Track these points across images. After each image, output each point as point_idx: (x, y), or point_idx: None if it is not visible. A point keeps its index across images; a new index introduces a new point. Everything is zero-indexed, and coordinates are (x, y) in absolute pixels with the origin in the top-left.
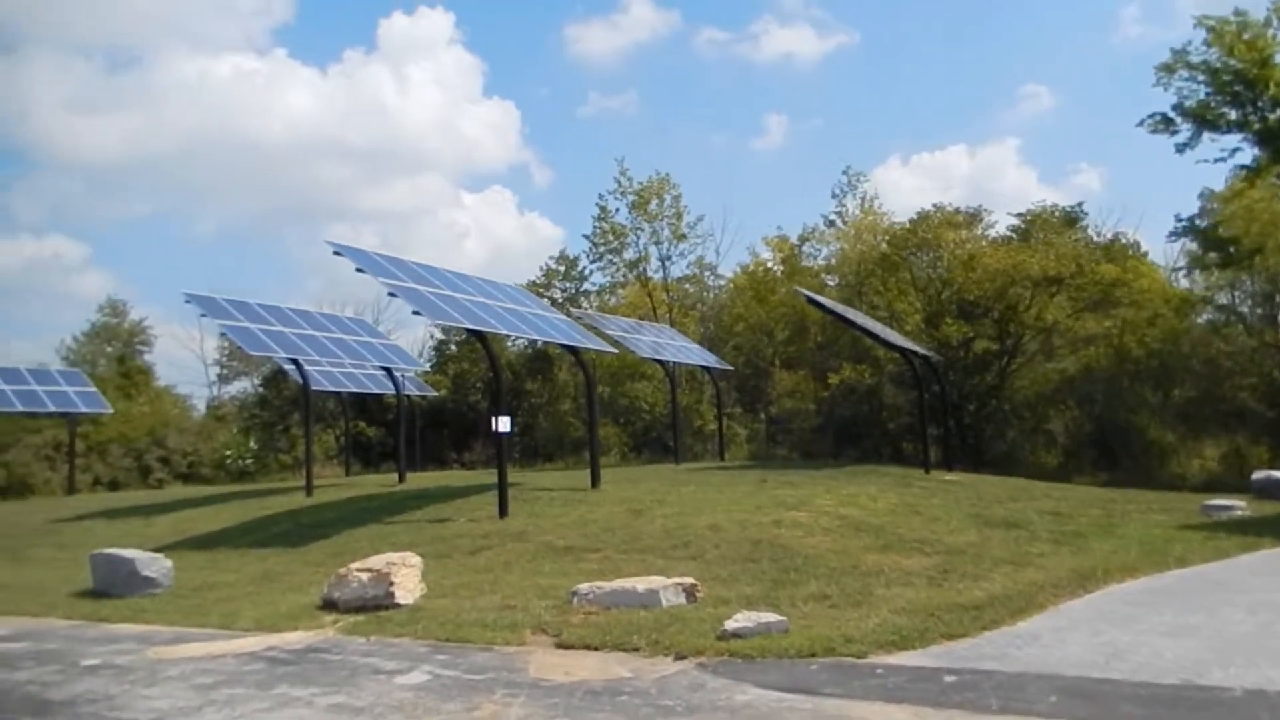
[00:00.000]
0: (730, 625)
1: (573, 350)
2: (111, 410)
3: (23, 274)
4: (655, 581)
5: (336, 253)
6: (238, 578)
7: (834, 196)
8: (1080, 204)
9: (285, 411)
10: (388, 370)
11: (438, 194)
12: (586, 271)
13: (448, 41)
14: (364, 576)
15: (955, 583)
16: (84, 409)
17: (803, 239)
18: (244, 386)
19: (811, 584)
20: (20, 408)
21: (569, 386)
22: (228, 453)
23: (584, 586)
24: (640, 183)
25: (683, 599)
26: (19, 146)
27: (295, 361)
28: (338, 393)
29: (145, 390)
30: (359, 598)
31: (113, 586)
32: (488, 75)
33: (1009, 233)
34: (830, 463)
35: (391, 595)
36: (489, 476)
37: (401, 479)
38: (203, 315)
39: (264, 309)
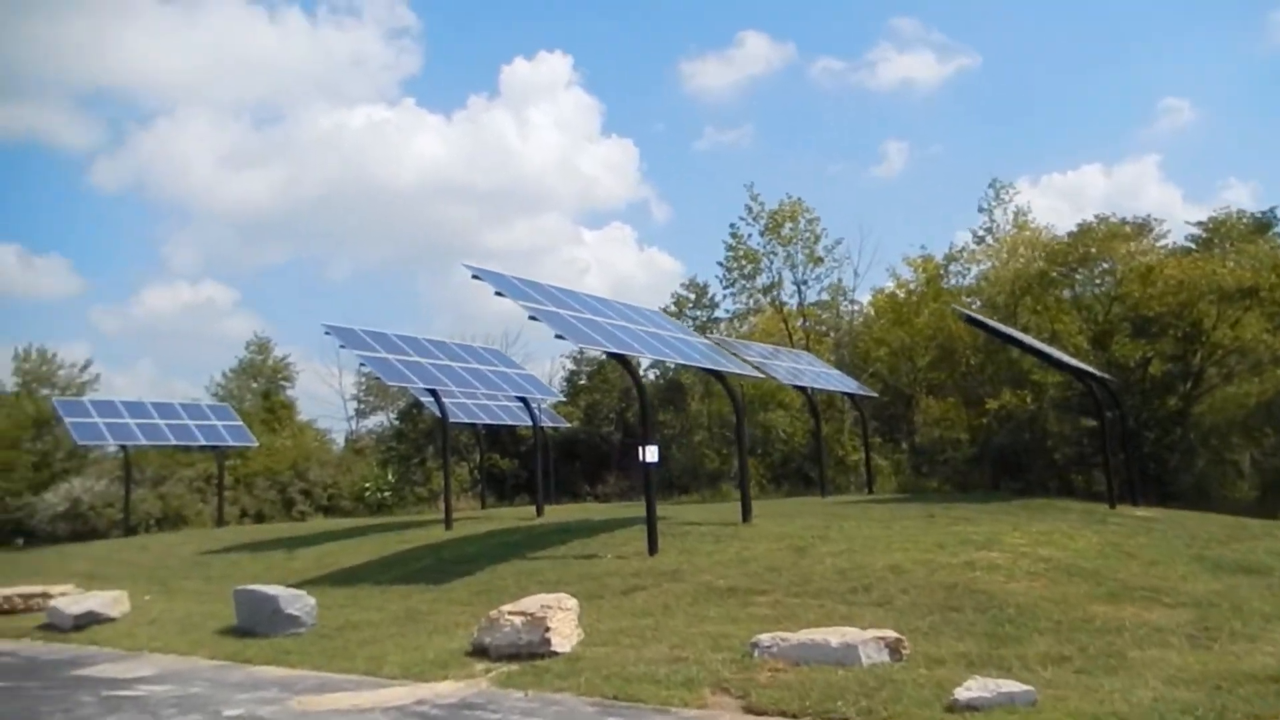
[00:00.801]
0: (962, 695)
1: (717, 375)
2: (257, 444)
3: (181, 318)
4: (850, 634)
5: (475, 276)
6: (381, 617)
7: (981, 210)
8: (1273, 209)
9: (420, 444)
10: (523, 400)
11: (559, 232)
12: (717, 298)
13: (566, 84)
14: (517, 621)
15: (1226, 643)
16: (231, 442)
17: (949, 258)
18: (380, 421)
19: (1039, 641)
20: (174, 441)
21: (701, 416)
22: (366, 485)
23: (765, 638)
24: (772, 207)
25: (885, 656)
26: (179, 201)
27: (433, 392)
28: (472, 424)
29: (288, 424)
30: (512, 644)
31: (257, 624)
32: (605, 114)
33: (1187, 242)
34: (994, 495)
35: (547, 642)
36: (628, 510)
37: (540, 512)
38: (342, 346)
39: (401, 339)
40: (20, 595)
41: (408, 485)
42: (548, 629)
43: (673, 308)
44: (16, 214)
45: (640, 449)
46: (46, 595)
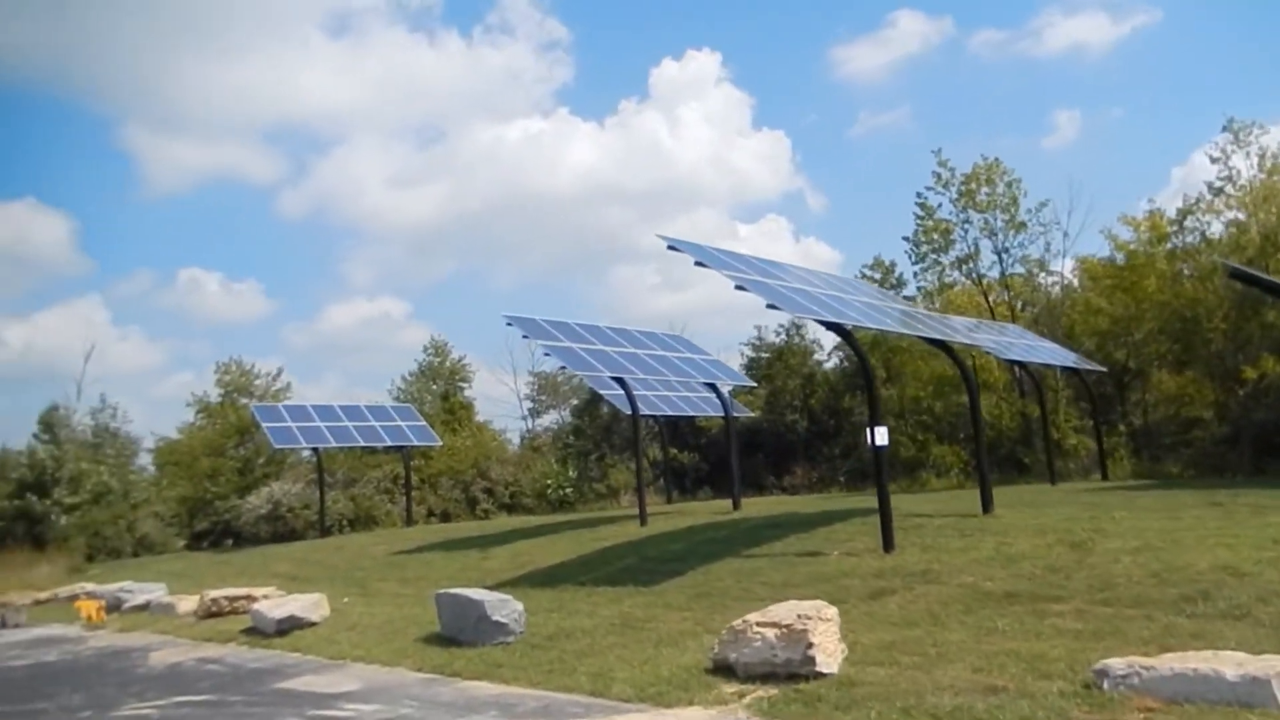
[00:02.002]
0: None
1: (942, 346)
2: (441, 443)
3: (360, 331)
4: (1251, 663)
5: (671, 248)
6: (593, 623)
7: (1214, 161)
8: None
9: (599, 440)
10: (713, 386)
11: (714, 228)
12: (904, 276)
13: (715, 80)
14: (769, 634)
15: None
16: (416, 442)
17: (1184, 212)
18: (554, 419)
19: None
20: (361, 442)
21: (892, 402)
22: (548, 482)
23: (1117, 664)
24: (964, 172)
25: None
26: (353, 221)
27: (620, 380)
28: (652, 415)
29: (467, 424)
30: (765, 662)
31: (461, 631)
32: (756, 108)
33: None
34: (1263, 480)
35: (810, 660)
36: (832, 502)
37: (736, 505)
38: (525, 337)
39: (583, 328)
40: (226, 598)
41: (586, 481)
42: (810, 644)
43: None
44: (218, 245)
45: (868, 431)
46: (250, 598)
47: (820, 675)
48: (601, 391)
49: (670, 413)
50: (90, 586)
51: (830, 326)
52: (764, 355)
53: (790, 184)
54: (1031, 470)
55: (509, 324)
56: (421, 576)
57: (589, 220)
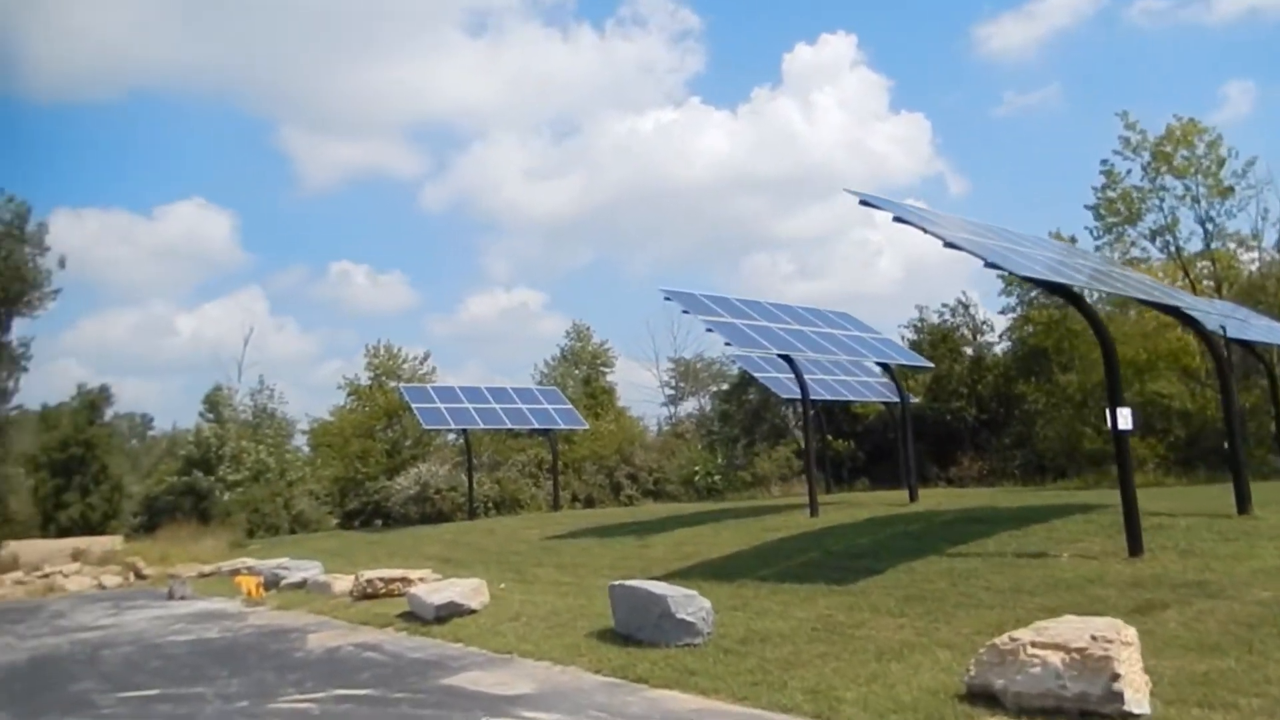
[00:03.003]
0: None
1: (1180, 315)
2: (588, 426)
3: (498, 321)
4: None
5: (864, 202)
6: (789, 626)
7: None
8: None
9: (748, 425)
10: (886, 367)
11: (849, 215)
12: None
13: (851, 64)
14: (1054, 659)
15: None
16: (562, 425)
17: None
18: (693, 407)
19: None
20: (509, 425)
21: (1071, 389)
22: (696, 469)
23: None
24: (1156, 135)
25: None
26: (493, 215)
27: (787, 359)
28: (806, 399)
29: (610, 409)
30: (1048, 694)
31: (639, 629)
32: (893, 90)
33: None
34: None
35: (1116, 697)
36: (1021, 496)
37: (913, 497)
38: (685, 312)
39: (744, 304)
40: (382, 579)
41: (732, 469)
42: (1115, 675)
43: None
44: (366, 238)
45: (1108, 413)
46: (406, 580)
47: (1131, 717)
48: (755, 374)
49: (828, 397)
50: (250, 562)
51: (1055, 289)
52: (925, 338)
53: (929, 168)
54: (1246, 467)
55: (667, 299)
56: (580, 563)
57: (722, 209)
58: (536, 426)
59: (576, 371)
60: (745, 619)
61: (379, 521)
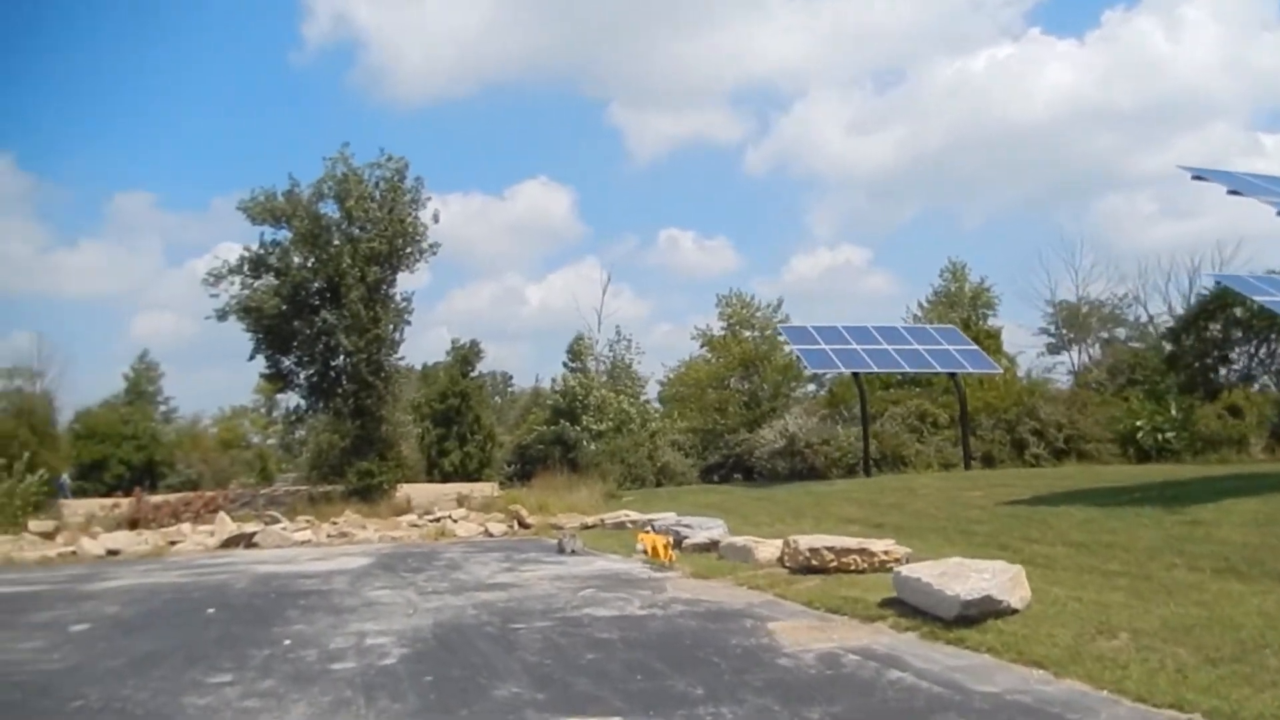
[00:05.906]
0: None
1: None
2: (1001, 370)
3: (823, 280)
4: None
5: (1197, 177)
6: None
7: None
8: None
9: (1208, 367)
10: None
11: (1228, 143)
12: None
13: None
14: None
15: None
16: (970, 369)
17: None
18: (1072, 357)
19: None
20: (906, 368)
21: None
22: (1138, 423)
23: None
24: None
25: None
26: (815, 173)
27: None
28: None
29: (997, 357)
30: None
31: None
32: None
33: None
34: None
35: None
36: None
37: None
38: (1195, 178)
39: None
40: (830, 549)
41: (1191, 425)
42: None
43: None
44: (691, 205)
45: None
46: (866, 552)
47: None
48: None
49: None
50: (633, 515)
51: None
52: None
53: None
54: None
55: (1195, 178)
56: (1104, 542)
57: (1068, 148)
58: (939, 370)
59: (953, 315)
60: None
61: (738, 476)
